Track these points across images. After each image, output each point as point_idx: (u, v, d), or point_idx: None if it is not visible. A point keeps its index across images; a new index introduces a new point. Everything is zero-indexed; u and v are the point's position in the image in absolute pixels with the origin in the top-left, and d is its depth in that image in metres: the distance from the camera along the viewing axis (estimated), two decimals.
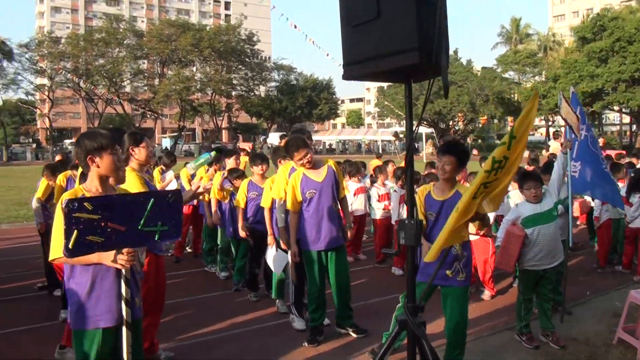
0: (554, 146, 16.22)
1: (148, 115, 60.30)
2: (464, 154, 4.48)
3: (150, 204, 3.07)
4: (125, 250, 3.10)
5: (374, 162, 13.88)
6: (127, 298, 3.22)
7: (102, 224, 2.90)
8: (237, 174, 7.62)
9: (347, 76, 3.17)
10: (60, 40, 54.51)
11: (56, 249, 3.13)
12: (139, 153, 4.66)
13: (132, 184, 4.30)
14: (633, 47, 40.73)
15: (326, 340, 5.54)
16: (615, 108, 46.03)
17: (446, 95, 3.23)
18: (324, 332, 5.61)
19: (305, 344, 5.45)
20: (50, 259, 3.23)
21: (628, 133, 56.21)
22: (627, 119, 54.87)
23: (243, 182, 7.19)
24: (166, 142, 63.73)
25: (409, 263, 2.96)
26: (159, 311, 4.86)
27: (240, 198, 7.01)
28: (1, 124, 54.12)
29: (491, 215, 6.96)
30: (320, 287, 5.57)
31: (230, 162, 8.14)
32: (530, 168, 9.13)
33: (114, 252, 3.06)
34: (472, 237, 7.07)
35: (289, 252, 5.85)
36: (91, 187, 3.35)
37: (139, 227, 3.04)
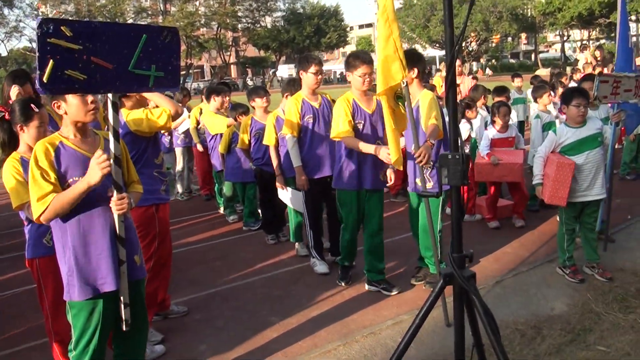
0: (583, 59, 14.86)
1: None
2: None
3: (142, 40, 2.65)
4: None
5: None
6: (122, 258, 2.82)
7: (84, 56, 2.48)
8: (243, 109, 7.04)
9: None
10: None
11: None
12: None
13: None
14: None
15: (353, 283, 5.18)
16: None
17: None
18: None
19: (338, 282, 5.13)
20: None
21: None
22: None
23: (244, 120, 6.65)
24: None
25: (455, 205, 2.44)
26: (169, 265, 4.41)
27: (244, 138, 6.50)
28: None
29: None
30: (355, 233, 5.02)
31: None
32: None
33: (99, 171, 2.63)
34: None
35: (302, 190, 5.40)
36: (68, 134, 2.87)
37: (129, 68, 2.64)
